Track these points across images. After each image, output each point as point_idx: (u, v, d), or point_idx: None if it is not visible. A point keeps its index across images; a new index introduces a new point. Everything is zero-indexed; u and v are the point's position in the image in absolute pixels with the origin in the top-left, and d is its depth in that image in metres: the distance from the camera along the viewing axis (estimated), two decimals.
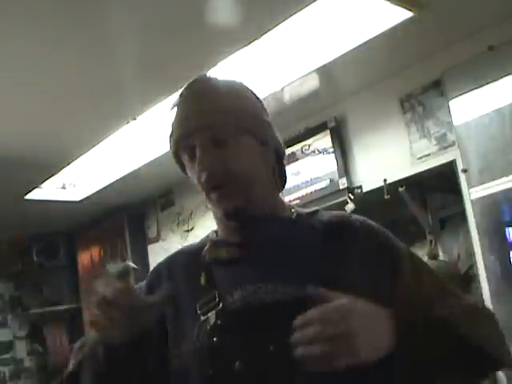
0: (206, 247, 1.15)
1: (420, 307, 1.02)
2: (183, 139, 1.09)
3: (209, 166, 1.06)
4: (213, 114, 1.07)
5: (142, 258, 4.37)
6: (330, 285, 0.97)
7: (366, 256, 1.07)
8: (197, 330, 1.05)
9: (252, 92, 1.17)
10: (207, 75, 1.18)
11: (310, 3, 2.12)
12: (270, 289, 1.03)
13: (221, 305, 1.04)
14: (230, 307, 1.04)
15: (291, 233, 1.11)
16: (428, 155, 2.75)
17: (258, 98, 1.18)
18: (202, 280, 1.10)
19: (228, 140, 1.07)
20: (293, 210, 1.18)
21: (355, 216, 1.17)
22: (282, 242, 1.09)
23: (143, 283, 1.21)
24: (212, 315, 1.04)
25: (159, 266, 1.22)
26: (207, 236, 1.21)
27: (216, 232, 1.20)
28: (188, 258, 1.18)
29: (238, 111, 1.09)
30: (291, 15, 2.18)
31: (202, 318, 1.05)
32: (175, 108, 1.13)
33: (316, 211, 1.18)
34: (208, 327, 1.03)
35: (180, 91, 1.15)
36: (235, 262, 1.10)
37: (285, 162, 1.22)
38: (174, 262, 1.21)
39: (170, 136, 1.13)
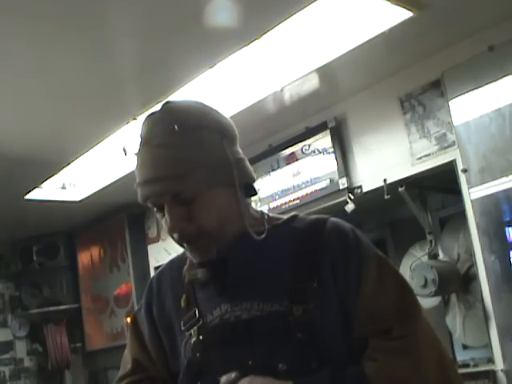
0: (186, 266, 1.17)
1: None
2: (148, 199, 1.09)
3: (178, 227, 1.06)
4: (173, 179, 1.05)
5: (142, 258, 4.37)
6: (302, 298, 1.04)
7: (336, 265, 1.07)
8: (183, 345, 1.12)
9: (212, 120, 1.11)
10: (164, 115, 1.10)
11: (310, 3, 2.12)
12: (245, 306, 1.07)
13: (201, 321, 1.10)
14: (210, 324, 1.09)
15: (263, 249, 1.11)
16: (428, 155, 2.75)
17: (219, 125, 1.11)
18: (185, 300, 1.15)
19: (193, 198, 1.06)
20: (266, 220, 1.15)
21: (330, 221, 1.13)
22: (255, 260, 1.10)
23: (142, 304, 1.25)
24: (194, 332, 1.10)
25: (151, 284, 1.25)
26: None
27: None
28: (175, 273, 1.20)
29: (197, 171, 1.05)
30: (291, 15, 2.18)
31: (187, 333, 1.11)
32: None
33: (294, 217, 1.17)
34: (191, 343, 1.10)
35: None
36: (213, 282, 1.12)
37: (254, 178, 1.16)
38: (163, 279, 1.24)
39: (136, 187, 1.12)
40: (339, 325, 1.04)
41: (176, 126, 1.06)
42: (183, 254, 1.20)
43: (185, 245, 1.10)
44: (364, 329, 1.04)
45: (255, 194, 1.18)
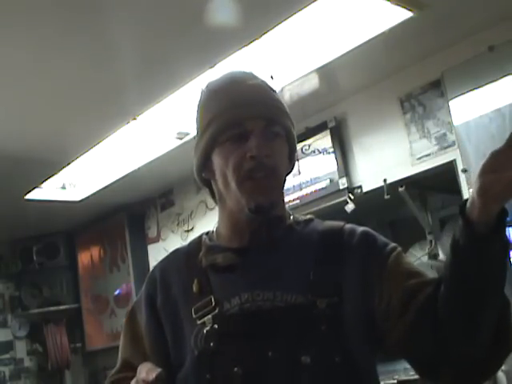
0: (202, 252, 1.14)
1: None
2: (235, 124, 1.07)
3: (265, 152, 1.06)
4: (276, 107, 1.13)
5: (142, 258, 4.37)
6: (326, 291, 1.03)
7: (360, 260, 1.07)
8: (194, 334, 1.05)
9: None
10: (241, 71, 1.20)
11: (310, 3, 2.12)
12: (268, 296, 1.04)
13: (217, 310, 1.05)
14: (227, 313, 1.05)
15: (290, 241, 1.12)
16: (428, 155, 2.75)
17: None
18: (196, 285, 1.09)
19: (276, 138, 1.10)
20: (291, 217, 1.17)
21: (348, 224, 1.15)
22: (281, 249, 1.10)
23: (141, 295, 1.19)
24: (208, 320, 1.05)
25: (153, 273, 1.19)
26: (199, 238, 1.19)
27: (208, 234, 1.19)
28: (182, 261, 1.17)
29: (287, 115, 1.15)
30: (291, 15, 2.18)
31: (199, 322, 1.05)
32: (206, 97, 1.14)
33: (311, 219, 1.18)
34: (205, 332, 1.04)
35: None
36: (232, 268, 1.09)
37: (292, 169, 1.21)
38: (168, 267, 1.19)
39: (211, 120, 1.09)
40: (364, 319, 1.03)
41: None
42: (189, 243, 1.19)
43: (249, 183, 1.06)
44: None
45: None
